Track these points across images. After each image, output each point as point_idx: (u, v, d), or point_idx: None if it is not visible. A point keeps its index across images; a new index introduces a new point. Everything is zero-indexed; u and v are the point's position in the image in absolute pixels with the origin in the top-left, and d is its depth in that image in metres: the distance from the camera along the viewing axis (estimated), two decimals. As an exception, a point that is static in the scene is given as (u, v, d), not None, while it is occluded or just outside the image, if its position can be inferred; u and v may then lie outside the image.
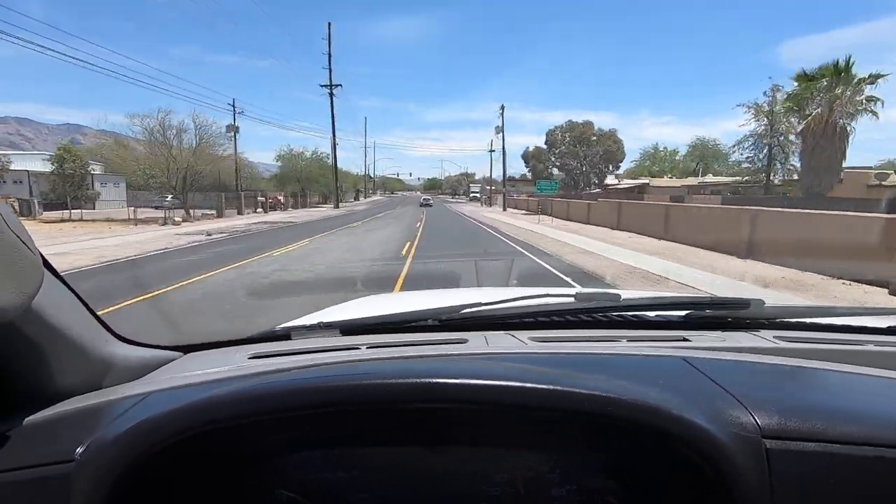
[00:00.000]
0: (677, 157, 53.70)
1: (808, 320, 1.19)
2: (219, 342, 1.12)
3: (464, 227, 25.36)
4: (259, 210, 37.21)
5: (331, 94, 45.07)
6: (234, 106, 40.68)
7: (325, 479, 0.75)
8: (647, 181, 40.93)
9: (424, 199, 64.29)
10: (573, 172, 41.20)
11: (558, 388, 0.64)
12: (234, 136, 41.53)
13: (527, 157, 42.95)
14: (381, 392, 0.64)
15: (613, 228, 20.78)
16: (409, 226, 24.12)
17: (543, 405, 0.64)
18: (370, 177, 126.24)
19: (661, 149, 57.74)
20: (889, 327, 1.16)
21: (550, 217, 30.50)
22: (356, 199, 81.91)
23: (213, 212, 32.10)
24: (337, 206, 46.19)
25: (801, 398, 0.78)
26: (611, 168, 38.41)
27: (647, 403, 0.64)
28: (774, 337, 1.07)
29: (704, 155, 53.41)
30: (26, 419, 0.75)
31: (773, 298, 6.55)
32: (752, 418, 0.67)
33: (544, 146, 41.99)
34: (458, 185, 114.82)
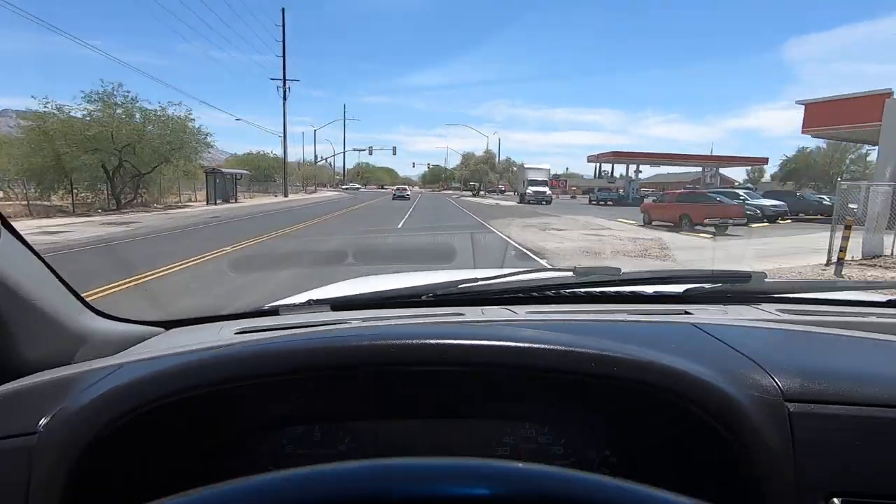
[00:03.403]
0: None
1: (809, 294, 1.17)
2: (203, 318, 1.07)
3: None
4: None
5: None
6: None
7: (318, 454, 0.72)
8: None
9: (399, 190, 45.71)
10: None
11: (565, 347, 0.61)
12: None
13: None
14: (376, 353, 0.60)
15: None
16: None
17: (549, 366, 0.60)
18: (322, 163, 74.13)
19: None
20: (889, 300, 1.14)
21: None
22: (230, 199, 30.02)
23: None
24: None
25: (819, 360, 0.74)
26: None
27: (659, 364, 0.61)
28: (777, 310, 1.05)
29: None
30: None
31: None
32: (772, 381, 0.64)
33: None
34: (481, 173, 61.22)
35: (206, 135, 24.73)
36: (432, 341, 0.60)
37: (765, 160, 42.89)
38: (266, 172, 60.36)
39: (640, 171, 43.66)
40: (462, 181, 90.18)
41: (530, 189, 38.94)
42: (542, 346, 0.61)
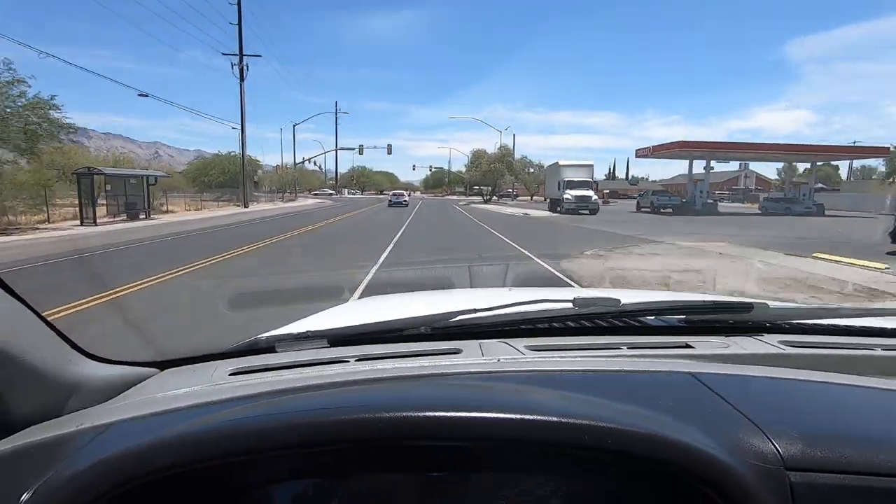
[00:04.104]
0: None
1: (812, 322, 1.14)
2: (198, 357, 1.04)
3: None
4: None
5: None
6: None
7: None
8: None
9: (396, 196, 39.22)
10: None
11: (558, 419, 0.60)
12: None
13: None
14: (363, 429, 0.59)
15: None
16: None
17: (543, 439, 0.59)
18: (313, 167, 63.97)
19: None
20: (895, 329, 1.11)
21: None
22: (139, 214, 19.77)
23: None
24: None
25: (824, 421, 0.71)
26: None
27: (653, 434, 0.59)
28: (779, 342, 1.03)
29: None
30: None
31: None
32: (772, 447, 0.61)
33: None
34: (496, 175, 49.98)
35: (49, 106, 14.45)
36: (416, 414, 0.59)
37: (885, 150, 32.37)
38: (238, 177, 50.49)
39: (713, 168, 33.34)
40: (467, 185, 79.49)
41: (570, 193, 28.63)
42: (536, 417, 0.59)
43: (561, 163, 31.64)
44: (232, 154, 53.04)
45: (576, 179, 29.77)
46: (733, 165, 59.11)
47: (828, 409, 0.76)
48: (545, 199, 39.06)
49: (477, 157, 51.34)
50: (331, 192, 77.33)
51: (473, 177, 51.56)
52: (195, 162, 52.74)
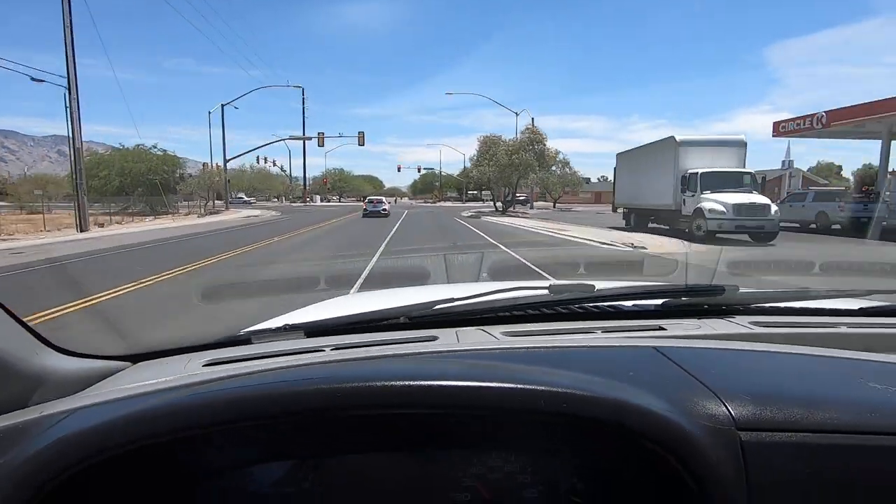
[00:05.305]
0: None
1: (782, 304, 1.18)
2: (173, 349, 1.03)
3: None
4: None
5: None
6: None
7: (281, 492, 0.72)
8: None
9: (373, 203, 30.92)
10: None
11: (513, 385, 0.62)
12: None
13: None
14: (323, 398, 0.61)
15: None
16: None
17: (498, 404, 0.61)
18: (274, 168, 48.98)
19: None
20: (861, 309, 1.16)
21: None
22: None
23: None
24: None
25: (775, 385, 0.73)
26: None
27: (605, 397, 0.61)
28: (750, 322, 1.06)
29: None
30: None
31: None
32: (724, 409, 0.63)
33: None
34: (521, 169, 34.50)
35: None
36: (378, 383, 0.61)
37: None
38: (153, 179, 35.09)
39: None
40: (464, 189, 64.21)
41: (717, 200, 13.50)
42: (490, 384, 0.61)
43: (679, 138, 15.94)
44: (140, 148, 37.65)
45: (718, 170, 14.73)
46: (774, 162, 44.43)
47: (782, 374, 0.78)
48: (614, 209, 23.92)
49: (489, 145, 35.08)
50: (247, 199, 60.22)
51: (485, 173, 35.49)
52: (85, 161, 37.09)
